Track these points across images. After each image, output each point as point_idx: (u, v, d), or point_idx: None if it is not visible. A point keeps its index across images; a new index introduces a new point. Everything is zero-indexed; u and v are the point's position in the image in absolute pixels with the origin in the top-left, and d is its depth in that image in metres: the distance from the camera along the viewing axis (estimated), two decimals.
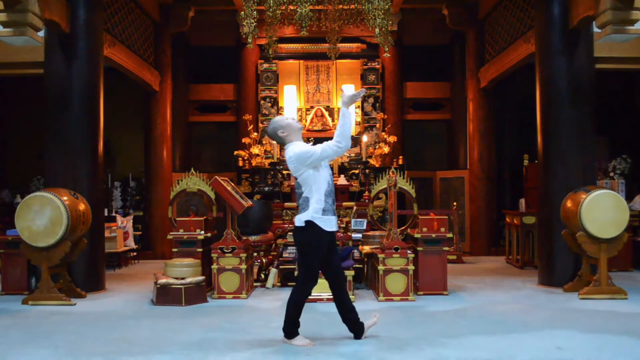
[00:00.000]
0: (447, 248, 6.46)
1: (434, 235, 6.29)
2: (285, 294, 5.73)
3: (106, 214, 8.81)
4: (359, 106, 10.96)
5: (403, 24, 10.97)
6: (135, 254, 9.52)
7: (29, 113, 11.04)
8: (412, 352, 3.97)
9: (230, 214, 6.30)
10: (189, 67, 11.34)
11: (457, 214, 9.78)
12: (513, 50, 8.86)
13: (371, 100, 10.94)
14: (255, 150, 10.19)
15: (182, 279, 5.87)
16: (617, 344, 4.17)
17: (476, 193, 10.51)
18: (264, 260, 7.33)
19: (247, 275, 6.35)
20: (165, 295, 5.82)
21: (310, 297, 4.28)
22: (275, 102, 10.94)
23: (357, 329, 4.29)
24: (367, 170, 10.42)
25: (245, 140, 10.30)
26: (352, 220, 7.28)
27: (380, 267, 5.94)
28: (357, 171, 10.54)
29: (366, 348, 4.09)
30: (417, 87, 11.55)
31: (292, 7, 7.05)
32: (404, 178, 6.99)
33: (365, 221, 7.21)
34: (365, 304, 5.66)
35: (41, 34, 6.14)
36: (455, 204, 10.12)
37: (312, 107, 10.93)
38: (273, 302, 5.99)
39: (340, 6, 7.91)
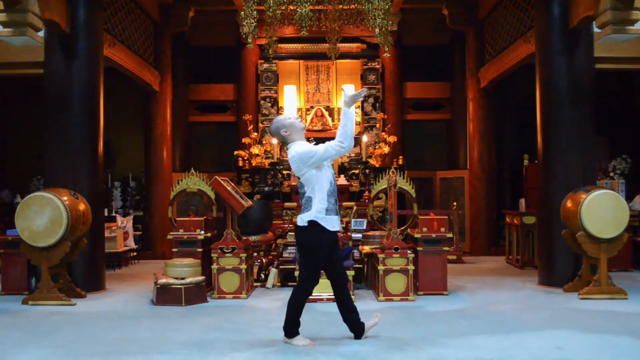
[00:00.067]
0: (447, 248, 6.46)
1: (434, 235, 6.29)
2: (285, 294, 5.74)
3: (106, 214, 8.81)
4: (359, 106, 10.96)
5: (403, 24, 10.97)
6: (135, 254, 9.52)
7: (29, 113, 11.05)
8: (412, 352, 3.97)
9: (230, 214, 6.30)
10: (189, 67, 11.34)
11: (457, 214, 9.78)
12: (513, 50, 8.86)
13: (371, 100, 10.94)
14: (255, 150, 10.19)
15: (182, 279, 5.87)
16: (617, 344, 4.17)
17: (476, 193, 10.51)
18: (264, 260, 7.33)
19: (247, 275, 6.35)
20: (165, 295, 5.82)
21: (310, 297, 4.27)
22: (275, 102, 10.94)
23: (357, 329, 4.29)
24: (367, 170, 10.42)
25: (245, 140, 10.30)
26: (352, 220, 7.28)
27: (380, 267, 5.94)
28: (357, 171, 10.55)
29: (366, 348, 4.09)
30: (417, 87, 11.55)
31: (292, 7, 7.04)
32: (404, 178, 6.99)
33: (365, 221, 7.21)
34: (365, 304, 5.66)
35: (41, 34, 6.14)
36: (455, 204, 10.12)
37: (312, 107, 10.93)
38: (273, 302, 5.99)
39: (340, 6, 7.91)
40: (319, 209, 4.04)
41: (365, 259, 6.86)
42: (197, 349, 4.12)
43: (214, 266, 6.21)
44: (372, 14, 6.71)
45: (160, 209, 9.81)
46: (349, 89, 4.30)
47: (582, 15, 6.35)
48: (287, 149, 4.22)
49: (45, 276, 5.87)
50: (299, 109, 10.89)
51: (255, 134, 10.45)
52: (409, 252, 6.02)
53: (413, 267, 6.01)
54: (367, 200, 8.66)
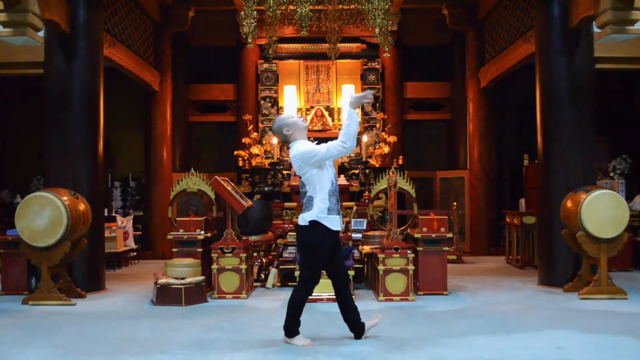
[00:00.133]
0: (447, 248, 6.46)
1: (434, 235, 6.29)
2: (285, 294, 5.74)
3: (106, 214, 8.81)
4: (358, 106, 10.92)
5: (403, 24, 10.97)
6: (135, 254, 9.52)
7: (29, 113, 11.05)
8: (412, 352, 3.97)
9: (230, 214, 6.30)
10: (189, 67, 11.34)
11: (457, 214, 9.78)
12: (513, 50, 8.86)
13: (371, 100, 10.91)
14: (255, 150, 10.19)
15: (182, 279, 5.87)
16: (617, 344, 4.17)
17: (476, 193, 10.51)
18: (264, 260, 7.33)
19: (247, 275, 6.35)
20: (165, 295, 5.82)
21: (310, 297, 4.27)
22: (275, 102, 10.94)
23: (358, 329, 4.29)
24: (367, 170, 10.42)
25: (245, 140, 10.30)
26: (352, 220, 7.27)
27: (380, 267, 5.94)
28: (357, 171, 10.54)
29: (366, 348, 4.09)
30: (417, 87, 11.55)
31: (292, 7, 7.04)
32: (404, 178, 6.99)
33: (365, 221, 7.21)
34: (365, 304, 5.65)
35: (41, 34, 6.14)
36: (455, 204, 10.12)
37: (312, 107, 10.92)
38: (273, 302, 5.99)
39: (340, 6, 7.91)
40: (320, 209, 4.03)
41: (365, 259, 6.86)
42: (197, 349, 4.12)
43: (214, 266, 6.21)
44: (372, 14, 6.71)
45: (160, 209, 9.81)
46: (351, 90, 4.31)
47: (582, 15, 6.35)
48: (289, 148, 4.20)
49: (45, 276, 5.87)
50: (299, 109, 10.89)
51: (255, 134, 10.45)
52: (409, 252, 6.02)
53: (413, 267, 6.01)
54: (367, 200, 8.66)
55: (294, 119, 4.23)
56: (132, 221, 9.56)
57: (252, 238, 7.09)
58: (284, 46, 10.93)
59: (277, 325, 4.40)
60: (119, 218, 9.24)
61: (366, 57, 11.02)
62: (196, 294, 5.90)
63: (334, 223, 4.08)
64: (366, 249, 6.71)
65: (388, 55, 7.38)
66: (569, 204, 6.23)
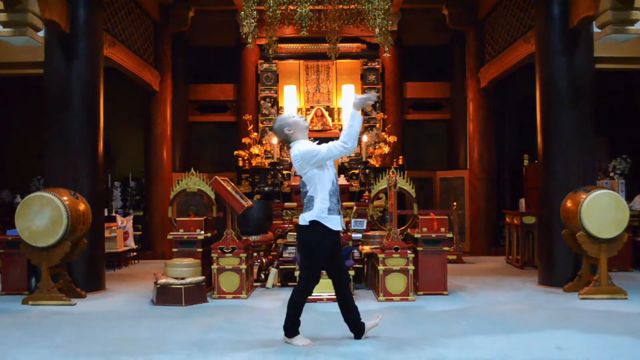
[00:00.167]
0: (447, 248, 6.46)
1: (434, 235, 6.29)
2: (285, 294, 5.74)
3: (106, 214, 8.81)
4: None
5: (403, 24, 10.97)
6: (135, 254, 9.52)
7: (29, 113, 11.06)
8: (412, 352, 3.97)
9: (230, 214, 6.30)
10: (189, 67, 11.34)
11: (457, 214, 9.78)
12: (513, 50, 8.86)
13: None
14: (255, 150, 10.19)
15: (182, 279, 5.87)
16: (617, 344, 4.17)
17: (476, 193, 10.51)
18: (264, 260, 7.33)
19: (247, 275, 6.35)
20: (165, 295, 5.82)
21: (310, 297, 4.27)
22: (275, 102, 10.94)
23: (358, 329, 4.29)
24: (367, 170, 10.42)
25: (245, 140, 10.30)
26: (352, 220, 7.27)
27: (380, 267, 5.94)
28: (357, 171, 10.54)
29: (366, 348, 4.09)
30: (417, 87, 11.55)
31: (292, 7, 7.05)
32: (404, 178, 6.99)
33: (365, 221, 7.21)
34: (365, 304, 5.65)
35: (41, 34, 6.14)
36: (455, 204, 10.12)
37: (312, 107, 10.92)
38: (273, 302, 5.99)
39: (340, 6, 7.91)
40: (321, 209, 4.03)
41: (365, 259, 6.86)
42: (197, 349, 4.12)
43: (214, 266, 6.21)
44: (372, 14, 6.71)
45: (160, 209, 9.81)
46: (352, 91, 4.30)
47: (582, 15, 6.35)
48: (290, 148, 4.20)
49: (45, 276, 5.87)
50: (299, 109, 10.89)
51: (255, 134, 10.45)
52: (409, 252, 6.02)
53: (413, 267, 6.01)
54: (367, 200, 8.66)
55: (295, 118, 4.22)
56: (132, 221, 9.56)
57: (252, 238, 7.09)
58: (284, 46, 10.93)
59: (277, 325, 4.40)
60: (119, 218, 9.24)
61: (366, 57, 11.01)
62: (196, 294, 5.90)
63: (335, 223, 4.07)
64: (366, 249, 6.71)
65: (388, 55, 7.38)
66: (569, 204, 6.23)
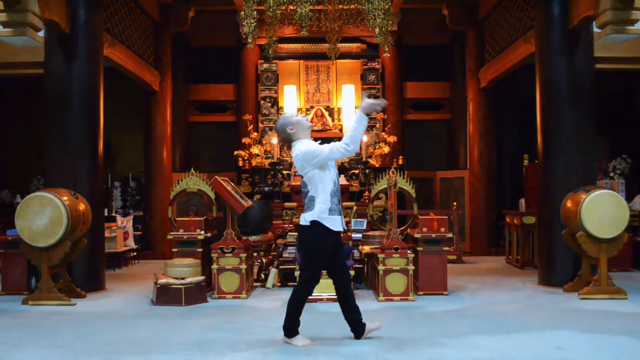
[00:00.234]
0: (447, 248, 6.46)
1: (434, 235, 6.29)
2: (285, 294, 5.74)
3: (106, 214, 8.81)
4: (358, 106, 10.92)
5: (403, 24, 10.97)
6: (135, 254, 9.52)
7: (29, 113, 11.06)
8: (412, 352, 3.97)
9: (230, 214, 6.30)
10: (189, 67, 11.34)
11: (457, 214, 9.78)
12: (513, 50, 8.86)
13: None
14: (255, 150, 10.19)
15: (182, 279, 5.87)
16: (617, 344, 4.17)
17: (476, 193, 10.51)
18: (264, 260, 7.33)
19: (247, 275, 6.35)
20: (165, 295, 5.82)
21: (310, 297, 4.27)
22: (275, 102, 10.94)
23: (358, 329, 4.28)
24: (367, 170, 10.42)
25: (245, 140, 10.31)
26: (352, 220, 7.27)
27: (380, 267, 5.94)
28: (357, 171, 10.54)
29: (366, 348, 4.09)
30: (417, 87, 11.55)
31: (292, 7, 7.05)
32: (404, 178, 6.99)
33: (365, 221, 7.21)
34: (365, 304, 5.65)
35: (41, 34, 6.14)
36: (455, 204, 10.12)
37: (312, 107, 10.92)
38: (273, 302, 5.99)
39: (340, 6, 7.91)
40: (322, 209, 4.03)
41: (365, 259, 6.86)
42: (197, 349, 4.12)
43: (214, 266, 6.21)
44: (372, 14, 6.71)
45: (160, 209, 9.81)
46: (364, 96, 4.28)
47: (582, 15, 6.35)
48: (292, 147, 4.19)
49: (45, 276, 5.87)
50: (299, 109, 10.89)
51: (255, 134, 10.45)
52: (409, 252, 6.01)
53: (413, 267, 6.01)
54: (367, 200, 8.66)
55: (298, 117, 4.22)
56: (132, 221, 9.56)
57: (252, 238, 7.09)
58: (284, 46, 10.93)
59: (277, 325, 4.40)
60: (119, 218, 9.24)
61: (366, 57, 11.02)
62: (196, 294, 5.90)
63: (335, 223, 4.07)
64: (366, 249, 6.71)
65: (388, 55, 7.38)
66: (569, 204, 6.23)
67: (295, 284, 4.61)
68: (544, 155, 6.90)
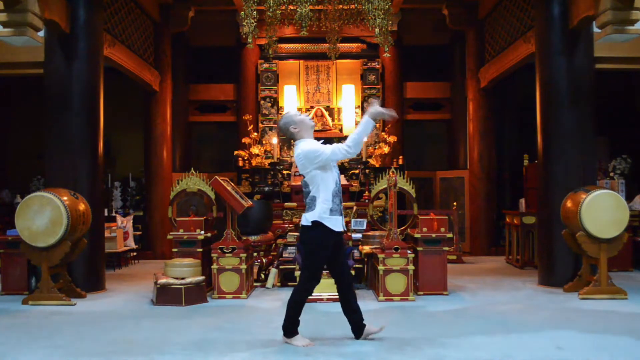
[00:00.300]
0: (447, 248, 6.46)
1: (434, 235, 6.29)
2: (285, 294, 5.73)
3: (106, 214, 8.81)
4: (358, 106, 10.97)
5: (403, 24, 10.97)
6: (135, 254, 9.52)
7: (29, 113, 11.05)
8: (412, 352, 3.97)
9: (230, 214, 6.30)
10: (189, 67, 11.34)
11: (457, 214, 9.78)
12: (513, 50, 8.86)
13: (371, 100, 10.91)
14: (255, 150, 10.19)
15: (182, 279, 5.87)
16: (617, 344, 4.17)
17: (476, 193, 10.51)
18: (264, 260, 7.33)
19: (247, 275, 6.35)
20: (165, 295, 5.82)
21: (310, 297, 4.27)
22: (275, 102, 10.94)
23: (359, 329, 4.28)
24: (367, 170, 10.42)
25: (245, 140, 10.31)
26: (352, 220, 7.27)
27: (380, 267, 5.94)
28: (357, 171, 10.55)
29: (366, 348, 4.09)
30: (417, 87, 11.55)
31: (292, 7, 7.05)
32: (404, 178, 6.99)
33: (365, 221, 7.21)
34: (365, 304, 5.63)
35: (41, 34, 6.14)
36: (455, 204, 10.12)
37: (312, 107, 10.92)
38: (273, 302, 5.99)
39: (340, 6, 7.91)
40: (323, 209, 4.03)
41: (365, 259, 6.86)
42: (197, 349, 4.12)
43: (214, 266, 6.21)
44: (372, 14, 6.72)
45: (160, 209, 9.81)
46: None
47: (582, 15, 6.35)
48: (295, 146, 4.20)
49: (45, 276, 5.86)
50: (299, 109, 10.88)
51: (255, 134, 10.46)
52: (409, 252, 6.01)
53: (413, 267, 6.01)
54: (367, 200, 8.66)
55: (302, 117, 4.22)
56: (132, 221, 9.56)
57: (252, 238, 7.09)
58: (284, 46, 10.93)
59: (277, 325, 4.39)
60: (119, 218, 9.24)
61: (366, 57, 11.02)
62: (196, 294, 5.90)
63: (336, 224, 4.07)
64: (366, 249, 6.70)
65: (388, 55, 7.38)
66: (569, 204, 6.23)
67: (295, 284, 4.60)
68: (544, 155, 6.90)
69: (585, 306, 5.61)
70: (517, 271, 8.28)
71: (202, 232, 6.39)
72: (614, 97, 10.78)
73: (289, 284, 6.76)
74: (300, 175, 4.18)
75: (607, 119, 10.04)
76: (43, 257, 5.82)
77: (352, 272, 5.97)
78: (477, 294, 6.40)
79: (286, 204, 9.32)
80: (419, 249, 6.30)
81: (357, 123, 10.82)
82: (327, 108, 10.94)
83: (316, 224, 4.03)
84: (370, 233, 7.08)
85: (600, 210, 5.91)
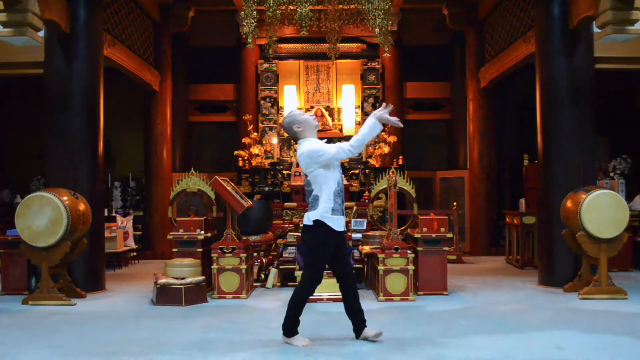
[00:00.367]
0: (447, 248, 6.46)
1: (434, 235, 6.29)
2: (285, 294, 5.74)
3: (106, 214, 8.81)
4: (358, 106, 10.97)
5: (403, 24, 10.97)
6: (135, 254, 9.52)
7: (29, 113, 11.05)
8: (412, 352, 3.97)
9: (230, 214, 6.30)
10: (189, 67, 11.34)
11: (457, 214, 9.78)
12: (513, 50, 8.86)
13: (371, 100, 10.94)
14: (255, 150, 10.19)
15: (182, 279, 5.87)
16: (617, 344, 4.17)
17: (476, 193, 10.51)
18: (264, 260, 7.33)
19: (247, 275, 6.35)
20: (165, 295, 5.82)
21: (310, 296, 4.27)
22: (275, 102, 10.94)
23: (360, 329, 4.28)
24: (367, 170, 10.43)
25: (245, 140, 10.31)
26: (352, 220, 7.28)
27: (380, 267, 5.94)
28: (357, 171, 10.55)
29: (366, 348, 4.09)
30: (417, 87, 11.55)
31: (292, 7, 7.05)
32: (404, 178, 6.99)
33: (365, 221, 7.21)
34: (365, 304, 5.57)
35: (41, 34, 6.14)
36: (455, 204, 10.12)
37: (312, 107, 10.92)
38: (273, 302, 5.99)
39: (340, 6, 7.91)
40: (325, 209, 4.04)
41: (365, 259, 6.85)
42: (197, 349, 4.12)
43: (214, 266, 6.21)
44: (372, 14, 6.72)
45: (160, 209, 9.81)
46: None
47: (582, 15, 6.35)
48: (298, 145, 4.20)
49: (45, 276, 5.86)
50: (299, 109, 10.87)
51: (255, 134, 10.46)
52: (409, 252, 6.01)
53: (413, 267, 6.01)
54: (367, 200, 8.66)
55: (306, 116, 4.24)
56: (132, 221, 9.56)
57: (252, 238, 7.09)
58: (284, 46, 10.93)
59: (277, 325, 4.39)
60: (119, 218, 9.24)
61: (366, 57, 11.02)
62: (196, 294, 5.90)
63: (338, 223, 4.08)
64: (366, 249, 6.70)
65: (388, 55, 7.38)
66: (569, 204, 6.23)
67: (295, 284, 4.60)
68: (544, 155, 6.90)
69: (585, 306, 5.61)
70: (517, 271, 8.28)
71: (202, 232, 6.39)
72: (614, 97, 10.78)
73: (289, 284, 6.76)
74: (300, 175, 4.19)
75: (607, 119, 10.04)
76: (43, 257, 5.82)
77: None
78: (477, 294, 6.40)
79: (286, 204, 9.32)
80: (419, 249, 6.30)
81: (357, 123, 10.84)
82: (327, 108, 10.95)
83: (318, 223, 4.03)
84: (370, 233, 7.08)
85: (600, 210, 5.91)
